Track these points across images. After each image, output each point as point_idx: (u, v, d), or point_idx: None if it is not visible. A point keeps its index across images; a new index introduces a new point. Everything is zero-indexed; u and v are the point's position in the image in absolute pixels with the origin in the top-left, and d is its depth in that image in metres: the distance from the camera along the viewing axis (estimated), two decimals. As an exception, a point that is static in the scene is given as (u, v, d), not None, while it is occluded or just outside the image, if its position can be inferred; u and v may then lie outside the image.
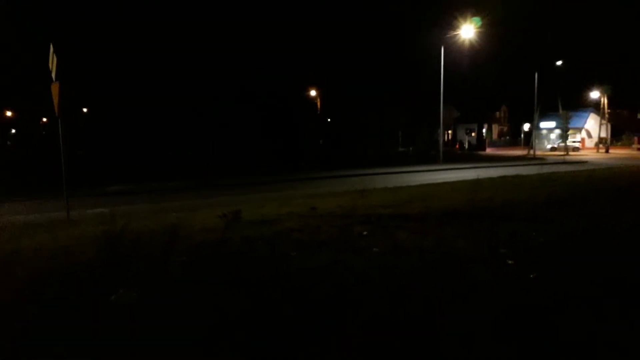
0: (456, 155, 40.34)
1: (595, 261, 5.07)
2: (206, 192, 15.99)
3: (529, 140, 50.63)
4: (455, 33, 29.38)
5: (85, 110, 41.03)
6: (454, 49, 31.87)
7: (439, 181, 16.52)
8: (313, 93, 41.26)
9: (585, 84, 61.73)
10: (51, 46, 9.95)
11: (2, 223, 9.94)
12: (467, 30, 29.23)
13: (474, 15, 28.84)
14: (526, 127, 59.90)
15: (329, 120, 42.54)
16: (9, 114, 63.01)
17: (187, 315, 3.72)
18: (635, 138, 64.13)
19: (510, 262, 5.06)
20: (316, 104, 41.43)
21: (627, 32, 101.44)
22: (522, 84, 49.77)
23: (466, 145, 61.21)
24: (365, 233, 6.67)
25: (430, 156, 33.76)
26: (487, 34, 31.63)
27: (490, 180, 15.68)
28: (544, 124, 64.83)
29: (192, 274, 4.82)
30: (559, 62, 45.17)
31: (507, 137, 73.32)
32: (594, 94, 61.59)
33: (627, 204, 9.13)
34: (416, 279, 4.55)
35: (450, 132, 69.29)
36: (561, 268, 4.85)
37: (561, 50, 68.34)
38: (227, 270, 5.01)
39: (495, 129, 73.39)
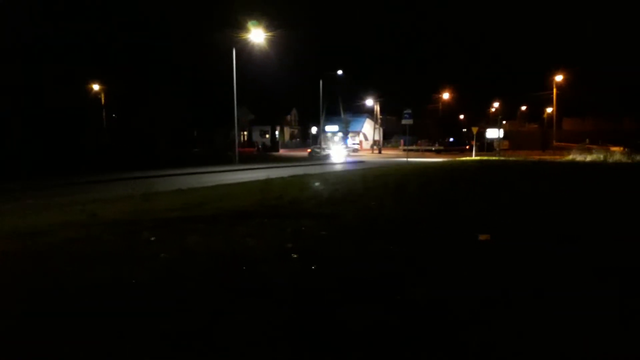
0: (252, 156, 41.41)
1: (363, 250, 5.73)
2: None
3: (316, 141, 55.05)
4: (246, 36, 30.02)
5: None
6: (246, 52, 32.64)
7: (233, 182, 16.65)
8: (96, 87, 37.40)
9: (363, 92, 70.19)
10: None
11: None
12: (257, 35, 30.13)
13: (256, 19, 29.78)
14: (314, 130, 65.02)
15: (114, 116, 39.07)
16: None
17: None
18: (402, 140, 75.26)
19: (295, 256, 5.35)
20: (100, 99, 37.64)
21: (398, 49, 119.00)
22: (310, 90, 53.85)
23: (261, 147, 63.40)
24: (152, 239, 6.29)
25: (226, 157, 33.87)
26: (278, 40, 33.28)
27: (282, 179, 16.47)
28: (329, 128, 71.33)
29: None
30: (340, 72, 50.21)
31: (298, 139, 78.42)
32: (369, 102, 70.29)
33: (392, 198, 10.60)
34: (204, 283, 4.46)
35: (245, 133, 70.87)
36: (336, 258, 5.34)
37: (342, 61, 76.43)
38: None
39: (287, 131, 77.78)
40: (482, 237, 6.29)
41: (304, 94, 63.24)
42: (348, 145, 58.71)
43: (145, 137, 34.65)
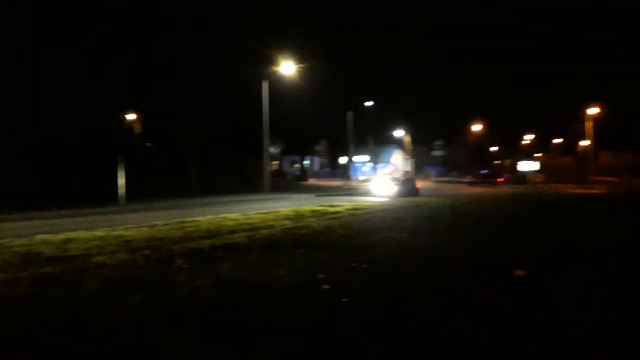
0: (281, 185, 41.69)
1: (393, 281, 5.63)
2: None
3: (345, 171, 55.20)
4: (276, 69, 30.76)
5: None
6: (277, 84, 33.32)
7: (263, 210, 16.76)
8: (132, 117, 38.69)
9: (392, 122, 70.28)
10: None
11: None
12: (288, 67, 30.81)
13: (287, 51, 30.63)
14: (343, 159, 65.20)
15: (148, 144, 40.14)
16: None
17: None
18: (433, 172, 74.66)
19: (326, 287, 5.30)
20: (133, 128, 38.79)
21: (426, 80, 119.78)
22: (340, 121, 54.22)
23: (290, 176, 63.87)
24: (185, 266, 6.35)
25: (257, 186, 34.24)
26: (308, 71, 33.78)
27: (311, 210, 16.48)
28: (358, 158, 71.46)
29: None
30: (369, 103, 50.61)
31: (328, 169, 78.75)
32: (399, 132, 70.27)
33: (424, 229, 10.45)
34: (235, 313, 4.45)
35: (276, 162, 71.64)
36: (368, 289, 5.25)
37: (373, 92, 77.31)
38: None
39: (317, 161, 78.30)
40: (518, 272, 6.12)
41: (334, 124, 63.62)
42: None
43: (178, 166, 35.44)
